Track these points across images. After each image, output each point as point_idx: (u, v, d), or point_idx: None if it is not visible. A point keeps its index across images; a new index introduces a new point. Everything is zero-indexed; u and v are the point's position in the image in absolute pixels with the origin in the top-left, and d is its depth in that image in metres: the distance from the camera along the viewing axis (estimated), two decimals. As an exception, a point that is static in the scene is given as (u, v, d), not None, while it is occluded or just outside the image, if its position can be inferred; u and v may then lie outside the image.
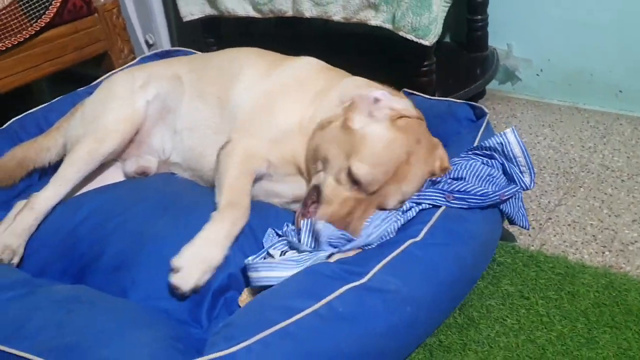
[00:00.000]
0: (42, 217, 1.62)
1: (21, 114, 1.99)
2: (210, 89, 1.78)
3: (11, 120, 2.02)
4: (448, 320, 1.36)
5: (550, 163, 1.92)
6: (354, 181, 1.35)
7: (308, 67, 1.72)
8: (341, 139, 1.40)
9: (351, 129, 1.40)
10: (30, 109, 2.01)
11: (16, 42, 1.99)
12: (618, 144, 1.97)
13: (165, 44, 2.57)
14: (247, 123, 1.64)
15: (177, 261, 1.28)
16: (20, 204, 1.75)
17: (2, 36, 1.95)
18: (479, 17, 2.19)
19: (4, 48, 1.97)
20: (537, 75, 2.28)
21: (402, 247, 1.24)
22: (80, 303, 1.23)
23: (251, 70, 1.77)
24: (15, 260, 1.55)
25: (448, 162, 1.46)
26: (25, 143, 1.90)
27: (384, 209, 1.38)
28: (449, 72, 2.17)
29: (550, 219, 1.68)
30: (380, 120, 1.41)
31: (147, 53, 2.49)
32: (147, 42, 2.59)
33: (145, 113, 1.82)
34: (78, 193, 1.76)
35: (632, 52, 2.07)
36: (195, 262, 1.30)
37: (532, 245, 1.58)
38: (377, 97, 1.42)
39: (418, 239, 1.27)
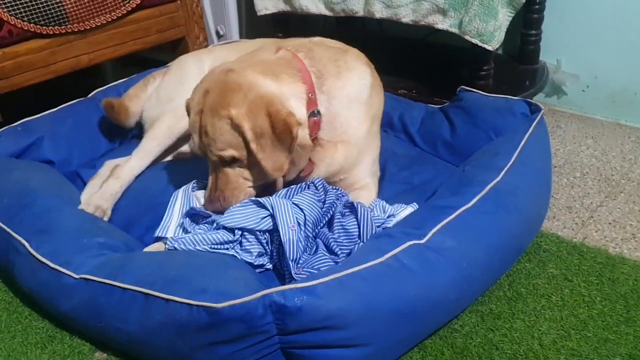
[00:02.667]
0: (127, 185, 1.81)
1: (90, 90, 2.17)
2: None
3: (95, 91, 2.22)
4: (498, 293, 1.50)
5: (593, 170, 2.06)
6: None
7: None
8: None
9: None
10: (98, 86, 2.20)
11: (110, 20, 2.19)
12: (658, 158, 2.11)
13: (235, 36, 2.76)
14: None
15: None
16: (109, 163, 1.94)
17: (100, 12, 2.15)
18: (533, 31, 2.34)
19: (100, 24, 2.16)
20: (583, 91, 2.42)
21: (455, 213, 1.39)
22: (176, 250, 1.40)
23: None
24: (105, 218, 1.72)
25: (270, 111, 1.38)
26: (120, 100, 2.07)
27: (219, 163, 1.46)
28: (500, 82, 2.31)
29: (592, 217, 1.82)
30: None
31: (217, 43, 2.68)
32: (217, 32, 2.78)
33: None
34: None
35: (675, 75, 2.21)
36: None
37: (575, 238, 1.72)
38: None
39: (469, 205, 1.42)
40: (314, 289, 1.14)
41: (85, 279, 1.31)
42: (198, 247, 1.41)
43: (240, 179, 1.49)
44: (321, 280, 1.16)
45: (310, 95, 1.49)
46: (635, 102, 2.32)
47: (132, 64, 2.71)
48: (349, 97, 1.59)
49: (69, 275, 1.33)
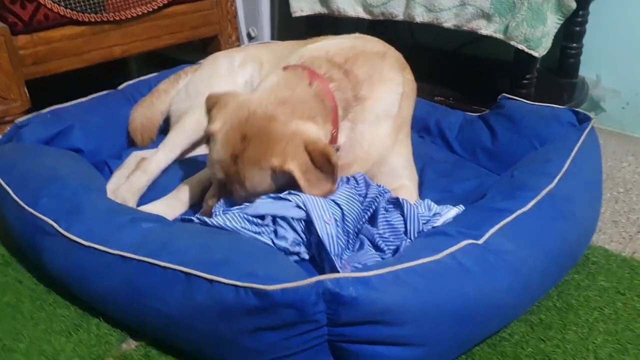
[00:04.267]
0: (154, 178, 1.77)
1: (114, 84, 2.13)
2: None
3: (125, 83, 2.18)
4: (547, 303, 1.42)
5: (637, 185, 1.99)
6: None
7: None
8: None
9: None
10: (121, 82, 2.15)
11: (146, 11, 2.16)
12: (703, 177, 2.04)
13: (266, 38, 2.72)
14: None
15: None
16: (136, 154, 1.89)
17: (136, 3, 2.12)
18: (574, 44, 2.29)
19: (135, 15, 2.13)
20: (623, 108, 2.37)
21: (513, 216, 1.33)
22: (220, 234, 1.33)
23: None
24: None
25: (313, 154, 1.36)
26: (144, 103, 2.05)
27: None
28: (538, 95, 2.25)
29: (639, 232, 1.74)
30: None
31: (248, 44, 2.65)
32: (249, 34, 2.75)
33: (244, 91, 1.95)
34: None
35: None
36: None
37: (624, 252, 1.64)
38: None
39: (526, 209, 1.35)
40: (369, 280, 1.07)
41: (122, 256, 1.25)
42: (228, 224, 1.34)
43: None
44: (376, 272, 1.09)
45: (333, 132, 1.49)
46: (677, 120, 2.26)
47: (159, 65, 2.68)
48: (377, 116, 1.57)
49: (106, 253, 1.27)
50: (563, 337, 1.33)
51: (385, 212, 1.43)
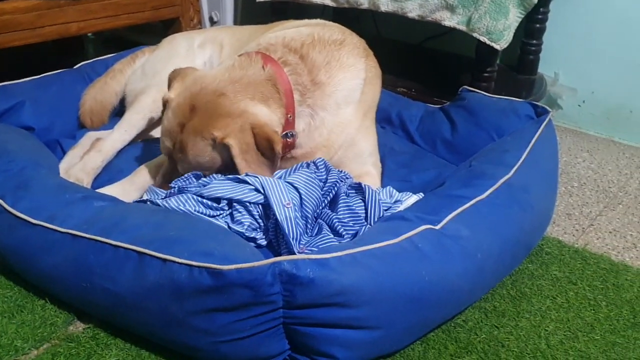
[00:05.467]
0: (109, 158, 1.74)
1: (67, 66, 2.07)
2: None
3: (82, 63, 2.11)
4: (501, 291, 1.44)
5: (590, 181, 2.03)
6: None
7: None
8: None
9: None
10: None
11: (105, -12, 2.09)
12: (653, 174, 2.10)
13: (229, 23, 2.67)
14: None
15: None
16: (91, 134, 1.83)
17: (95, -21, 2.05)
18: (534, 41, 2.32)
19: (94, -9, 2.06)
20: (579, 105, 2.41)
21: (470, 203, 1.34)
22: (175, 214, 1.30)
23: None
24: None
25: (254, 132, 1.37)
26: (97, 84, 1.99)
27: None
28: (497, 91, 2.27)
29: (592, 225, 1.78)
30: None
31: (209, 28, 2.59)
32: (211, 18, 2.69)
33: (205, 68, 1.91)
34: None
35: (672, 96, 2.22)
36: None
37: (577, 244, 1.68)
38: None
39: (483, 196, 1.37)
40: (327, 262, 1.05)
41: (72, 234, 1.20)
42: (182, 208, 1.32)
43: None
44: (334, 254, 1.08)
45: (288, 116, 1.48)
46: (631, 119, 2.32)
47: (118, 48, 2.61)
48: (337, 102, 1.56)
49: (54, 230, 1.22)
50: (516, 324, 1.34)
51: (346, 197, 1.42)
